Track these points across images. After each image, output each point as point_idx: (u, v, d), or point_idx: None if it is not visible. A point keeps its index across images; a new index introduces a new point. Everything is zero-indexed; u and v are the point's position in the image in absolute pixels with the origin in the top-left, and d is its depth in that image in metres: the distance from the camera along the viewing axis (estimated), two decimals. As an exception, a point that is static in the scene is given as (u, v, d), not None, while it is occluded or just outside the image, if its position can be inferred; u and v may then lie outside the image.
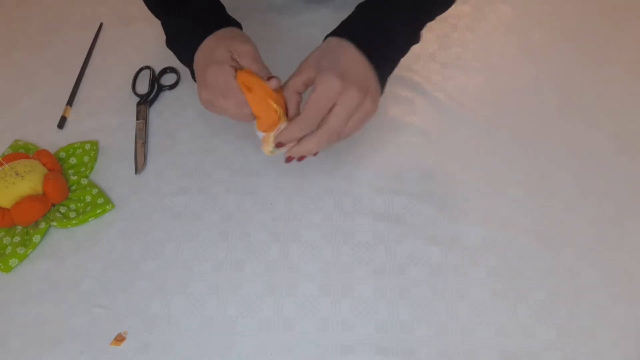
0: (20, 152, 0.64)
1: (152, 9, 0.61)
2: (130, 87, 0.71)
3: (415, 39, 0.54)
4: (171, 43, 0.57)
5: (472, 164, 0.60)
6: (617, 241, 0.54)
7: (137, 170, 0.63)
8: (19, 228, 0.59)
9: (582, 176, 0.59)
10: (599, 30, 0.72)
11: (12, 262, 0.56)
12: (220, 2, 0.58)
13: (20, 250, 0.57)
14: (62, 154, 0.65)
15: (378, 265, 0.54)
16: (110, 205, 0.60)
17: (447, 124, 0.64)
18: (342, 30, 0.50)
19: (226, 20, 0.55)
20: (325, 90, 0.46)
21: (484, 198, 0.58)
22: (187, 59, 0.54)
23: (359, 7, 0.52)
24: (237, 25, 0.56)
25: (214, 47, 0.51)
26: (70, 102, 0.70)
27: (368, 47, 0.48)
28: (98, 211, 0.59)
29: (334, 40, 0.49)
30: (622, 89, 0.66)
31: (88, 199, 0.60)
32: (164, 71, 0.72)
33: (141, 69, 0.73)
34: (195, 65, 0.52)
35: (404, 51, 0.53)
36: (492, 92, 0.66)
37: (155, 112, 0.69)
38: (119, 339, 0.52)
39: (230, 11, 0.58)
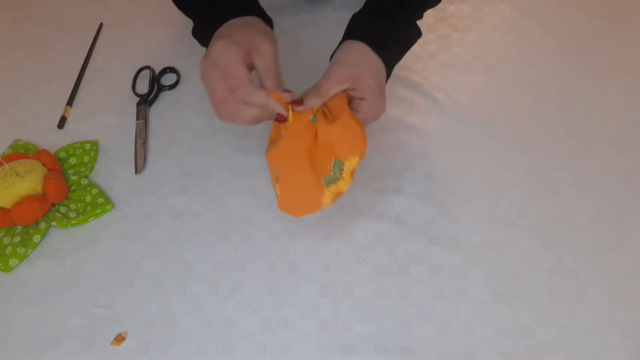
0: (20, 152, 0.64)
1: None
2: (130, 87, 0.71)
3: (417, 33, 0.56)
4: (196, 28, 0.56)
5: (472, 164, 0.60)
6: (617, 241, 0.54)
7: (137, 170, 0.63)
8: (19, 228, 0.59)
9: (582, 176, 0.59)
10: (598, 30, 0.72)
11: (12, 262, 0.56)
12: None
13: (20, 250, 0.57)
14: (62, 154, 0.65)
15: (378, 265, 0.54)
16: (110, 205, 0.60)
17: (447, 124, 0.64)
18: (361, 35, 0.52)
19: (254, 9, 0.53)
20: (372, 114, 0.52)
21: (484, 198, 0.58)
22: (207, 40, 0.52)
23: (369, 12, 0.54)
24: (267, 19, 0.55)
25: (234, 28, 0.50)
26: (70, 102, 0.70)
27: (385, 55, 0.52)
28: (98, 211, 0.59)
29: (361, 47, 0.51)
30: (622, 89, 0.66)
31: (88, 199, 0.60)
32: (164, 71, 0.72)
33: (141, 69, 0.73)
34: (210, 45, 0.50)
35: (408, 48, 0.57)
36: (492, 92, 0.66)
37: (155, 112, 0.69)
38: (119, 339, 0.52)
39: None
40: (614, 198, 0.57)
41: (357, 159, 0.48)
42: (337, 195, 0.49)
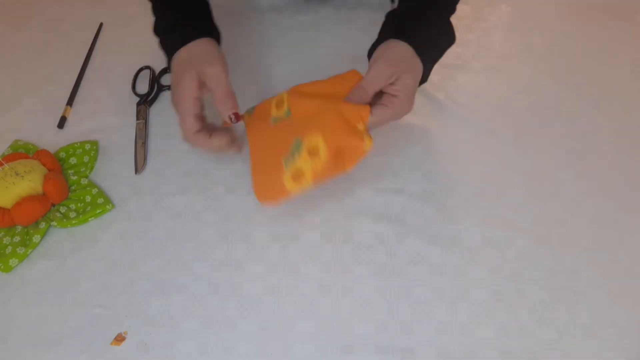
0: (20, 152, 0.64)
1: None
2: (130, 87, 0.71)
3: (452, 37, 0.57)
4: (156, 33, 0.60)
5: (472, 164, 0.60)
6: (617, 241, 0.54)
7: (137, 170, 0.63)
8: (19, 228, 0.59)
9: (582, 176, 0.59)
10: (598, 30, 0.72)
11: (12, 262, 0.56)
12: (206, 5, 0.61)
13: (20, 250, 0.57)
14: (62, 154, 0.65)
15: (378, 265, 0.54)
16: (110, 205, 0.60)
17: (447, 124, 0.64)
18: (404, 34, 0.53)
19: (204, 30, 0.57)
20: (400, 110, 0.52)
21: (484, 198, 0.58)
22: (166, 53, 0.58)
23: (399, 13, 0.56)
24: (216, 34, 0.59)
25: (183, 68, 0.54)
26: (70, 102, 0.70)
27: (422, 52, 0.53)
28: (98, 211, 0.59)
29: (402, 46, 0.53)
30: (622, 88, 0.66)
31: (88, 199, 0.60)
32: (164, 71, 0.72)
33: (141, 69, 0.73)
34: (172, 70, 0.56)
35: (444, 52, 0.58)
36: (492, 92, 0.66)
37: (155, 112, 0.69)
38: (119, 339, 0.52)
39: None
40: (614, 198, 0.57)
41: (319, 137, 0.49)
42: (300, 177, 0.49)
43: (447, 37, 0.57)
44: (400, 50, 0.52)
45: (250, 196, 0.60)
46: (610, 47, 0.70)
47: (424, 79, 0.55)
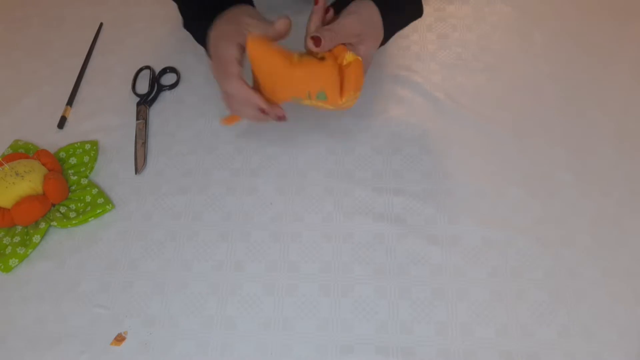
0: (20, 152, 0.64)
1: None
2: (130, 87, 0.71)
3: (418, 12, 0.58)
4: (187, 25, 0.58)
5: (472, 164, 0.60)
6: (617, 241, 0.54)
7: (137, 170, 0.63)
8: (19, 228, 0.59)
9: (582, 176, 0.59)
10: (599, 30, 0.72)
11: (12, 262, 0.56)
12: None
13: (20, 250, 0.57)
14: (62, 154, 0.65)
15: (378, 265, 0.54)
16: (110, 205, 0.60)
17: (447, 124, 0.63)
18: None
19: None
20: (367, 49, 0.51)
21: (484, 198, 0.58)
22: (201, 40, 0.55)
23: None
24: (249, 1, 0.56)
25: (223, 24, 0.51)
26: (70, 102, 0.70)
27: (386, 17, 0.52)
28: (98, 211, 0.59)
29: (370, 4, 0.52)
30: (623, 88, 0.66)
31: (88, 199, 0.60)
32: (164, 71, 0.72)
33: (141, 69, 0.73)
34: (209, 47, 0.53)
35: (404, 25, 0.58)
36: (492, 92, 0.66)
37: (155, 112, 0.69)
38: (119, 339, 0.52)
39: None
40: (614, 198, 0.57)
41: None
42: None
43: (413, 7, 0.57)
44: (369, 12, 0.52)
45: (250, 196, 0.60)
46: (610, 47, 0.70)
47: (382, 44, 0.55)
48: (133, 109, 0.69)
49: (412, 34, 0.71)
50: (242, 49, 0.50)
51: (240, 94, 0.50)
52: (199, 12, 0.55)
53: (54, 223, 0.58)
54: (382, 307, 0.52)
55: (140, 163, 0.63)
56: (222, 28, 0.52)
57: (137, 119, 0.68)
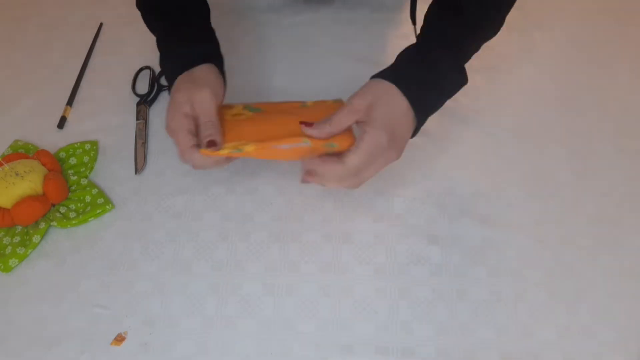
0: (20, 152, 0.64)
1: (147, 23, 0.63)
2: (130, 87, 0.71)
3: (462, 80, 0.53)
4: (161, 66, 0.60)
5: (472, 164, 0.60)
6: (617, 241, 0.54)
7: (137, 170, 0.63)
8: (19, 228, 0.59)
9: (582, 176, 0.59)
10: (599, 30, 0.72)
11: (12, 262, 0.56)
12: (209, 30, 0.59)
13: (20, 250, 0.57)
14: (62, 154, 0.65)
15: (378, 265, 0.54)
16: (110, 205, 0.60)
17: (447, 124, 0.64)
18: (394, 76, 0.49)
19: (204, 56, 0.55)
20: (374, 148, 0.47)
21: (484, 198, 0.58)
22: (168, 78, 0.57)
23: (409, 51, 0.52)
24: (217, 58, 0.57)
25: (177, 90, 0.53)
26: (70, 102, 0.70)
27: (416, 100, 0.49)
28: (98, 211, 0.59)
29: (385, 85, 0.49)
30: (622, 88, 0.66)
31: (88, 199, 0.60)
32: (164, 71, 0.72)
33: (141, 69, 0.73)
34: (170, 95, 0.54)
35: (450, 96, 0.53)
36: (492, 92, 0.66)
37: (155, 112, 0.69)
38: (119, 339, 0.52)
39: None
40: (614, 198, 0.57)
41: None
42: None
43: (453, 80, 0.52)
44: (377, 87, 0.49)
45: (250, 196, 0.60)
46: (610, 47, 0.70)
47: (418, 122, 0.51)
48: (133, 109, 0.69)
49: (412, 35, 0.71)
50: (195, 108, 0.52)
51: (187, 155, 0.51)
52: (169, 55, 0.58)
53: (54, 223, 0.58)
54: (382, 307, 0.52)
55: (140, 163, 0.63)
56: (181, 86, 0.53)
57: (137, 119, 0.68)
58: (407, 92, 0.48)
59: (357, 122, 0.49)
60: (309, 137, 0.48)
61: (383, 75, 0.50)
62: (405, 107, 0.48)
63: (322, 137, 0.48)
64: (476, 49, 0.54)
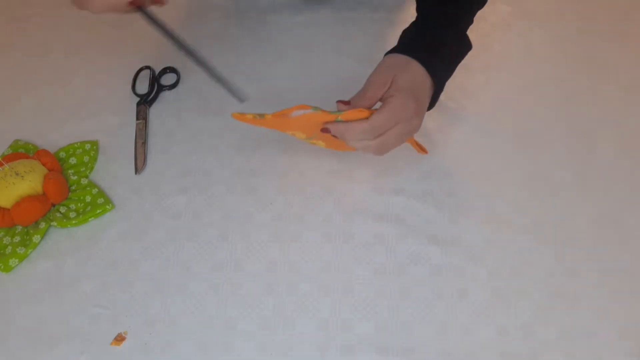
0: (20, 152, 0.64)
1: None
2: (130, 87, 0.71)
3: (468, 46, 0.55)
4: None
5: (472, 164, 0.60)
6: (617, 241, 0.54)
7: (137, 170, 0.63)
8: (19, 228, 0.59)
9: (582, 176, 0.59)
10: (598, 30, 0.72)
11: (12, 262, 0.56)
12: None
13: (20, 250, 0.57)
14: (62, 154, 0.65)
15: (378, 265, 0.54)
16: (110, 205, 0.60)
17: (447, 124, 0.64)
18: (407, 49, 0.52)
19: None
20: (400, 110, 0.48)
21: (484, 198, 0.58)
22: None
23: (411, 30, 0.54)
24: None
25: None
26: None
27: (431, 67, 0.51)
28: (98, 211, 0.59)
29: (401, 57, 0.51)
30: (622, 89, 0.66)
31: (88, 199, 0.60)
32: (164, 71, 0.72)
33: (141, 69, 0.73)
34: None
35: (458, 62, 0.55)
36: (492, 92, 0.66)
37: (155, 112, 0.69)
38: (119, 339, 0.52)
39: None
40: (614, 198, 0.57)
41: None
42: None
43: (460, 46, 0.55)
44: (394, 60, 0.51)
45: (250, 196, 0.60)
46: (610, 47, 0.70)
47: (437, 88, 0.53)
48: (133, 109, 0.69)
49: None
50: None
51: None
52: None
53: (54, 223, 0.58)
54: (382, 307, 0.52)
55: (140, 163, 0.63)
56: None
57: (137, 119, 0.68)
58: (422, 61, 0.50)
59: (381, 98, 0.50)
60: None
61: (394, 51, 0.52)
62: (423, 74, 0.51)
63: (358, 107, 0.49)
64: (472, 17, 0.57)
